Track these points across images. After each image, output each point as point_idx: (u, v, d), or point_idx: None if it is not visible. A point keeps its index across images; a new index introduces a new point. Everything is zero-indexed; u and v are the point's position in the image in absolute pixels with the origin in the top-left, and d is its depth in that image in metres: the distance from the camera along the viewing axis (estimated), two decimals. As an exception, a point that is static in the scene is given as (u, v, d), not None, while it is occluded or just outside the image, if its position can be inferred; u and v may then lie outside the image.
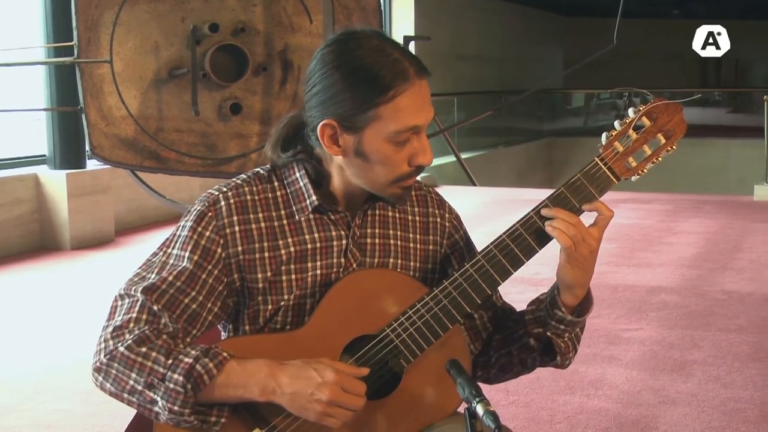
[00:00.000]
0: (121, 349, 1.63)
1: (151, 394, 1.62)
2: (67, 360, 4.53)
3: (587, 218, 1.73)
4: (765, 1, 19.15)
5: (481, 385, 1.63)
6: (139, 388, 1.62)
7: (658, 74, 22.03)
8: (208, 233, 1.72)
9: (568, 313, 1.77)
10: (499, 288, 1.82)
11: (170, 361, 1.61)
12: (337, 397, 1.62)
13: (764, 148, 10.48)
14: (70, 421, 3.79)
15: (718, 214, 9.01)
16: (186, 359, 1.61)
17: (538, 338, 1.82)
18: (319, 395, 1.61)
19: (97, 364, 1.65)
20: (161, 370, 1.61)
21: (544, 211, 1.73)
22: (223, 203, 1.74)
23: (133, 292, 1.68)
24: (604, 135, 1.74)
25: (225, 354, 1.64)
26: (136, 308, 1.66)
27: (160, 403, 1.61)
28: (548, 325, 1.79)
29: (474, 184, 11.44)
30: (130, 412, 1.78)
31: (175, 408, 1.60)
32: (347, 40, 1.68)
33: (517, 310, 1.93)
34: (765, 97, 10.93)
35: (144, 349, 1.62)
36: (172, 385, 1.60)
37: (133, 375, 1.62)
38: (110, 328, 1.66)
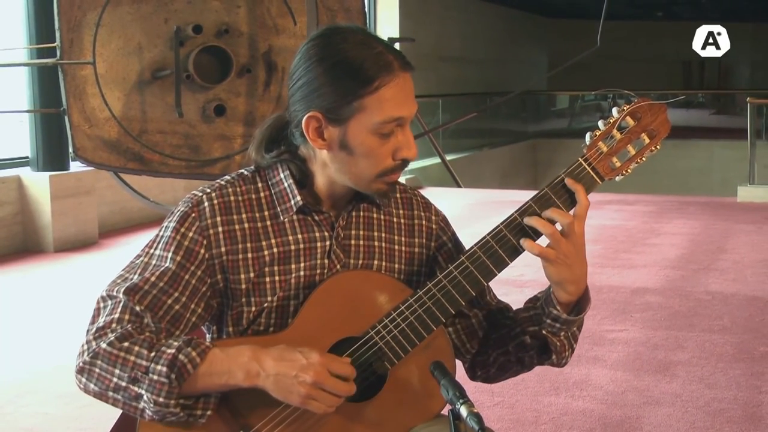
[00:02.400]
0: (104, 346, 1.62)
1: (136, 389, 1.61)
2: (49, 363, 4.51)
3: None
4: (747, 3, 19.28)
5: (469, 386, 1.62)
6: (123, 384, 1.61)
7: (642, 76, 22.14)
8: (191, 234, 1.71)
9: (564, 311, 1.75)
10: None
11: (153, 354, 1.60)
12: (322, 379, 1.60)
13: (747, 149, 10.53)
14: (52, 425, 3.77)
15: (702, 215, 9.05)
16: (169, 350, 1.60)
17: (534, 336, 1.80)
18: (304, 377, 1.60)
19: (80, 364, 1.64)
20: (144, 363, 1.60)
21: (526, 220, 1.71)
22: (206, 204, 1.73)
23: (115, 294, 1.67)
24: (588, 135, 1.74)
25: (208, 343, 1.64)
26: (119, 309, 1.65)
27: (145, 397, 1.60)
28: (544, 323, 1.77)
29: (459, 186, 11.45)
30: (113, 416, 1.77)
31: (160, 399, 1.59)
32: (331, 34, 1.68)
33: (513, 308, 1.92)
34: (748, 98, 10.99)
35: (126, 344, 1.61)
36: (156, 377, 1.59)
37: (117, 371, 1.61)
38: (93, 330, 1.65)
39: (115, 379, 1.61)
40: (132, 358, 1.60)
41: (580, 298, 1.76)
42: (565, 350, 1.81)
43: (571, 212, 1.71)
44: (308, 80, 1.67)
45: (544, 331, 1.78)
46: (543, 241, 1.71)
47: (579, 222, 1.70)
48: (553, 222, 1.70)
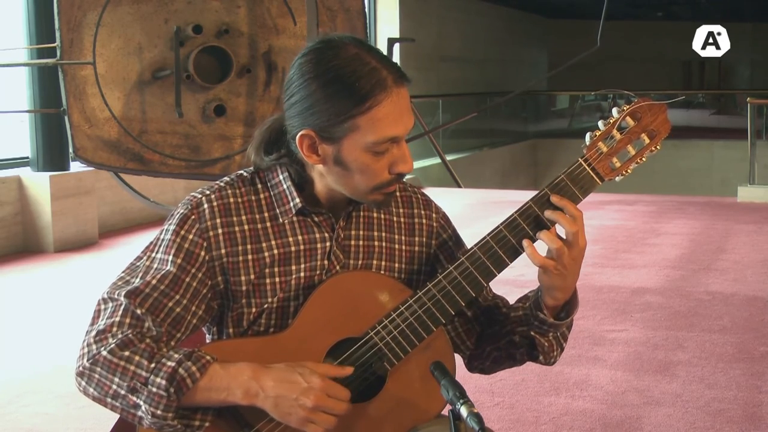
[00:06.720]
0: (104, 353, 1.62)
1: (134, 399, 1.60)
2: (50, 363, 4.50)
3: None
4: (748, 3, 19.28)
5: (469, 386, 1.62)
6: (122, 392, 1.61)
7: (642, 76, 22.15)
8: (191, 236, 1.71)
9: (550, 314, 1.76)
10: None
11: (153, 365, 1.60)
12: (321, 402, 1.61)
13: (747, 149, 10.53)
14: (52, 426, 3.77)
15: (702, 215, 9.05)
16: (169, 363, 1.60)
17: (523, 336, 1.82)
18: (304, 400, 1.61)
19: (80, 368, 1.64)
20: (144, 374, 1.60)
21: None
22: (206, 206, 1.73)
23: (116, 296, 1.67)
24: (587, 135, 1.73)
25: (208, 357, 1.63)
26: (120, 312, 1.65)
27: (143, 407, 1.60)
28: (532, 324, 1.79)
29: (459, 186, 11.45)
30: (113, 416, 1.77)
31: (158, 412, 1.59)
32: (324, 49, 1.66)
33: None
34: (748, 98, 10.99)
35: (127, 353, 1.61)
36: (154, 389, 1.59)
37: (116, 379, 1.61)
38: (93, 333, 1.65)
39: (114, 387, 1.61)
40: (132, 368, 1.60)
41: (566, 303, 1.78)
42: (553, 350, 1.83)
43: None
44: (301, 97, 1.66)
45: (532, 332, 1.80)
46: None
47: (582, 234, 1.70)
48: (553, 223, 1.70)
